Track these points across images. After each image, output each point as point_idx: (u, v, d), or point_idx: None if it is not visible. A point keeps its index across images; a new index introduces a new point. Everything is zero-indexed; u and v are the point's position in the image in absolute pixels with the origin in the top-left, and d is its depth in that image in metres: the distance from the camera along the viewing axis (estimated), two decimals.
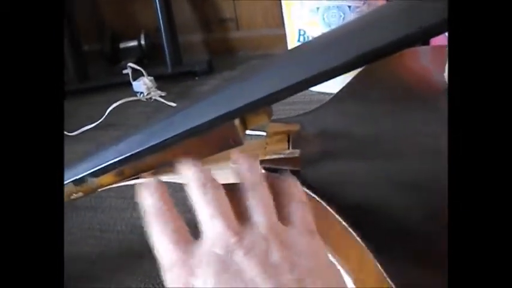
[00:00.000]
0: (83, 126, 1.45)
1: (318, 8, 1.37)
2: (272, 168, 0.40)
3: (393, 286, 0.33)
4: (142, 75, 1.62)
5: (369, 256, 0.35)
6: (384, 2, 1.19)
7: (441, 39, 0.30)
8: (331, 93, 0.61)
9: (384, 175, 0.44)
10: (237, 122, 0.37)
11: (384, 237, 0.37)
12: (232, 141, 0.38)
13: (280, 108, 0.41)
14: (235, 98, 0.36)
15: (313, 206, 0.36)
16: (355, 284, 0.37)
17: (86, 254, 0.95)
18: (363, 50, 0.32)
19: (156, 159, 0.38)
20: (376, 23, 0.36)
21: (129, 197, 1.07)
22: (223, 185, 0.34)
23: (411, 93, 0.61)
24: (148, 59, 1.87)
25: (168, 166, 0.38)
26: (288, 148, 0.45)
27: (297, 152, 0.42)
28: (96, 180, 0.41)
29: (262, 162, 0.41)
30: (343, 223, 0.37)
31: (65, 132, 1.41)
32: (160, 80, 1.65)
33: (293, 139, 0.46)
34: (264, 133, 0.48)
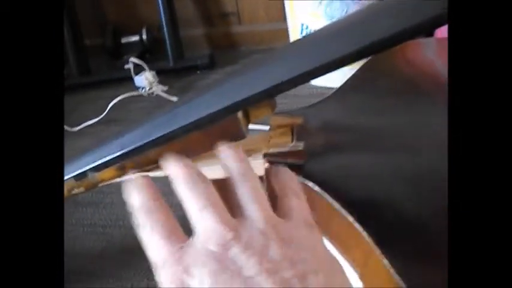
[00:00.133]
0: (85, 122, 1.45)
1: (320, 2, 1.36)
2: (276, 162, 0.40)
3: (400, 281, 0.32)
4: (144, 69, 1.62)
5: (375, 251, 0.34)
6: None
7: (445, 31, 0.30)
8: (334, 88, 0.60)
9: (388, 168, 0.44)
10: (240, 114, 0.37)
11: (388, 231, 0.36)
12: (235, 134, 0.37)
13: (283, 102, 0.41)
14: (238, 91, 0.36)
15: (316, 200, 0.36)
16: (360, 279, 0.36)
17: (88, 250, 0.95)
18: (365, 42, 0.32)
19: (159, 153, 0.38)
20: (379, 15, 0.36)
21: None
22: (212, 181, 0.32)
23: (415, 86, 0.60)
24: (150, 54, 1.86)
25: (153, 162, 0.37)
26: (292, 141, 0.44)
27: (301, 145, 0.41)
28: (97, 175, 0.41)
29: (266, 155, 0.40)
30: (348, 217, 0.36)
31: (67, 128, 1.41)
32: (162, 75, 1.65)
33: (297, 132, 0.46)
34: (266, 127, 0.48)
